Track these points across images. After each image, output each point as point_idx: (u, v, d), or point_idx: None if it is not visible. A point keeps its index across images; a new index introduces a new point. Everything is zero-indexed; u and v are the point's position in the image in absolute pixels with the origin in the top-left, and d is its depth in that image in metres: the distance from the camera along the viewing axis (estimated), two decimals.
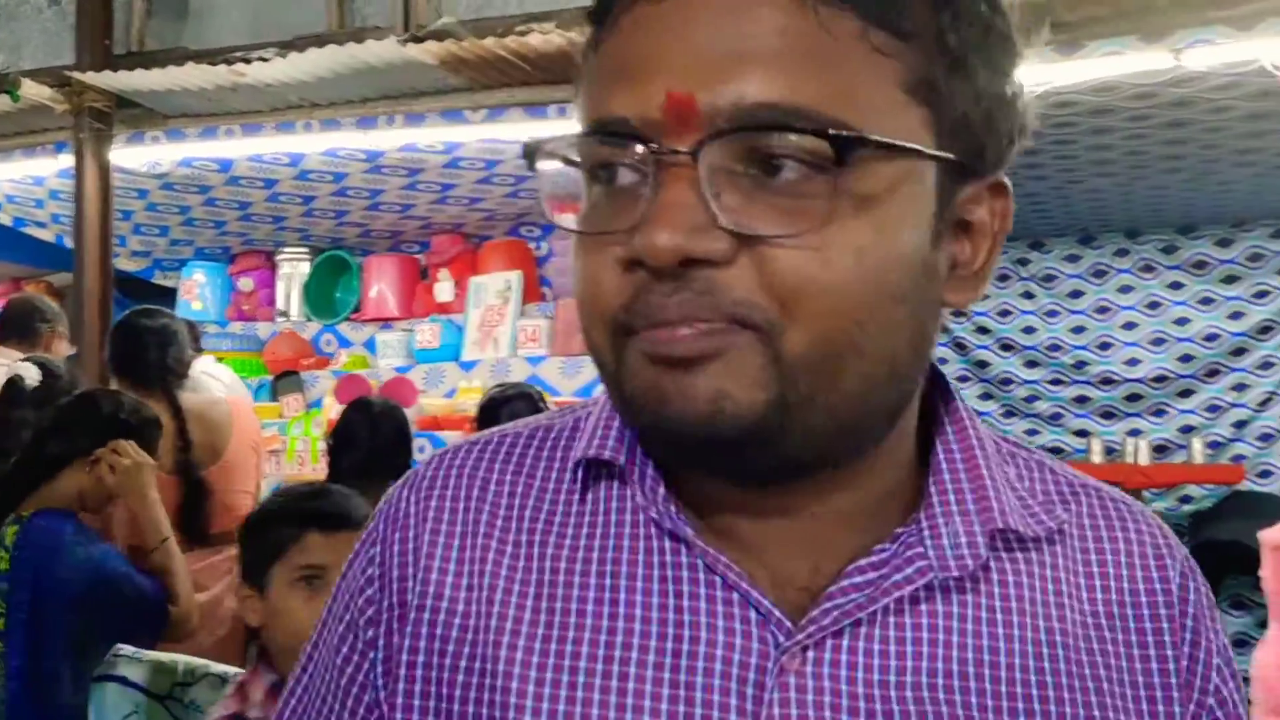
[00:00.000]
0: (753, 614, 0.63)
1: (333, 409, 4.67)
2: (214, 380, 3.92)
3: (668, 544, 0.66)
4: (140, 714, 2.02)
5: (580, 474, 0.70)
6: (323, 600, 1.26)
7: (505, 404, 3.12)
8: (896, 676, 0.63)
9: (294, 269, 5.53)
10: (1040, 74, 3.40)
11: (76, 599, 2.19)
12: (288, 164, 4.47)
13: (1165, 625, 0.69)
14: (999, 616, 0.66)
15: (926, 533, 0.65)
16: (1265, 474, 5.27)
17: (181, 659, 2.12)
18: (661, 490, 0.66)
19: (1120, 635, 0.68)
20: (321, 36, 4.08)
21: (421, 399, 4.65)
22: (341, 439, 3.12)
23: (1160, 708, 0.67)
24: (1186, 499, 5.37)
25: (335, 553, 1.60)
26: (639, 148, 0.56)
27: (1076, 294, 5.71)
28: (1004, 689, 0.64)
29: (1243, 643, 4.58)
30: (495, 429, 0.77)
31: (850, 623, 0.63)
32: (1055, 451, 5.64)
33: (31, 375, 2.70)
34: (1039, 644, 0.66)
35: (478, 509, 0.71)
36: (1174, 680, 0.67)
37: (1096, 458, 4.91)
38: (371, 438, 3.06)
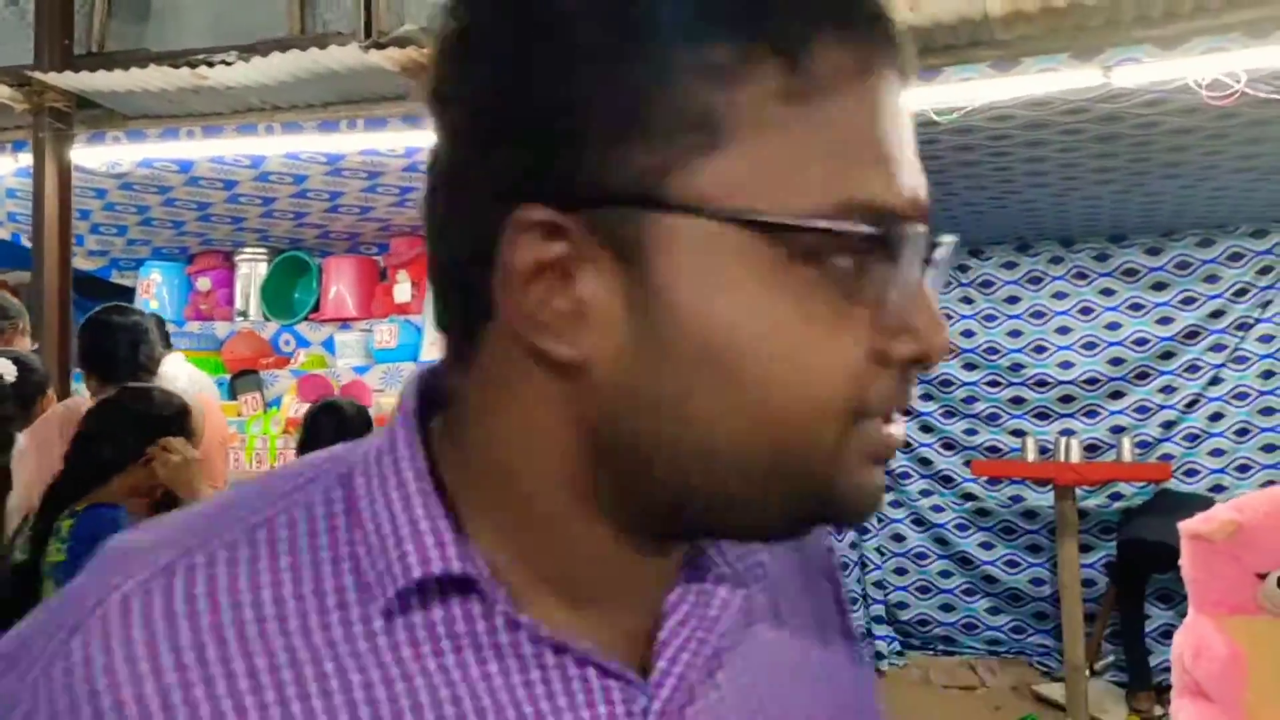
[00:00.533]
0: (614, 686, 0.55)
1: (291, 408, 4.74)
2: (175, 378, 3.97)
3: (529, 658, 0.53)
4: None
5: (402, 601, 0.52)
6: None
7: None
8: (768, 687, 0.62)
9: (252, 269, 5.58)
10: (979, 90, 3.59)
11: None
12: (248, 166, 4.53)
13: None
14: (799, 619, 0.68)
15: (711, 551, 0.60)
16: (1191, 473, 5.52)
17: None
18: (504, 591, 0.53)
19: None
20: (283, 41, 4.15)
21: (379, 399, 4.73)
22: (309, 441, 3.19)
23: None
24: (1117, 496, 5.61)
25: None
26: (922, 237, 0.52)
27: (1013, 299, 5.93)
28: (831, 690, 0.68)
29: (1168, 634, 4.81)
30: (185, 533, 0.55)
31: (703, 669, 0.58)
32: (992, 450, 5.86)
33: (8, 370, 2.75)
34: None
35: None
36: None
37: (1030, 456, 5.11)
38: (338, 441, 3.13)
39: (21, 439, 2.81)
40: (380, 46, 3.83)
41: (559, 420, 0.52)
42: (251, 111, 4.36)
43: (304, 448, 3.20)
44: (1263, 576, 2.38)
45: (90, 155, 4.41)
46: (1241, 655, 2.37)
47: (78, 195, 4.57)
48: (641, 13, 0.48)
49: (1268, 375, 5.46)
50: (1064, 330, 5.84)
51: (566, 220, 0.49)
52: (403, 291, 5.30)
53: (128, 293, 5.69)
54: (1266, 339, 5.38)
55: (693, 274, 0.48)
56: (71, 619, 0.50)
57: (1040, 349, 5.88)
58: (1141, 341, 5.67)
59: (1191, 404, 5.53)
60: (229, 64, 3.98)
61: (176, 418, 2.44)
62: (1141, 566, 5.01)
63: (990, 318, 5.97)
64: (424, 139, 4.11)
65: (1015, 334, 5.93)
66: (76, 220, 4.77)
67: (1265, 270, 5.50)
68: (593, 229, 0.49)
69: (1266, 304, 5.48)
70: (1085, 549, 5.42)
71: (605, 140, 0.48)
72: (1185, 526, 2.49)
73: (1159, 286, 5.67)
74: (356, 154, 4.33)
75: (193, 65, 4.04)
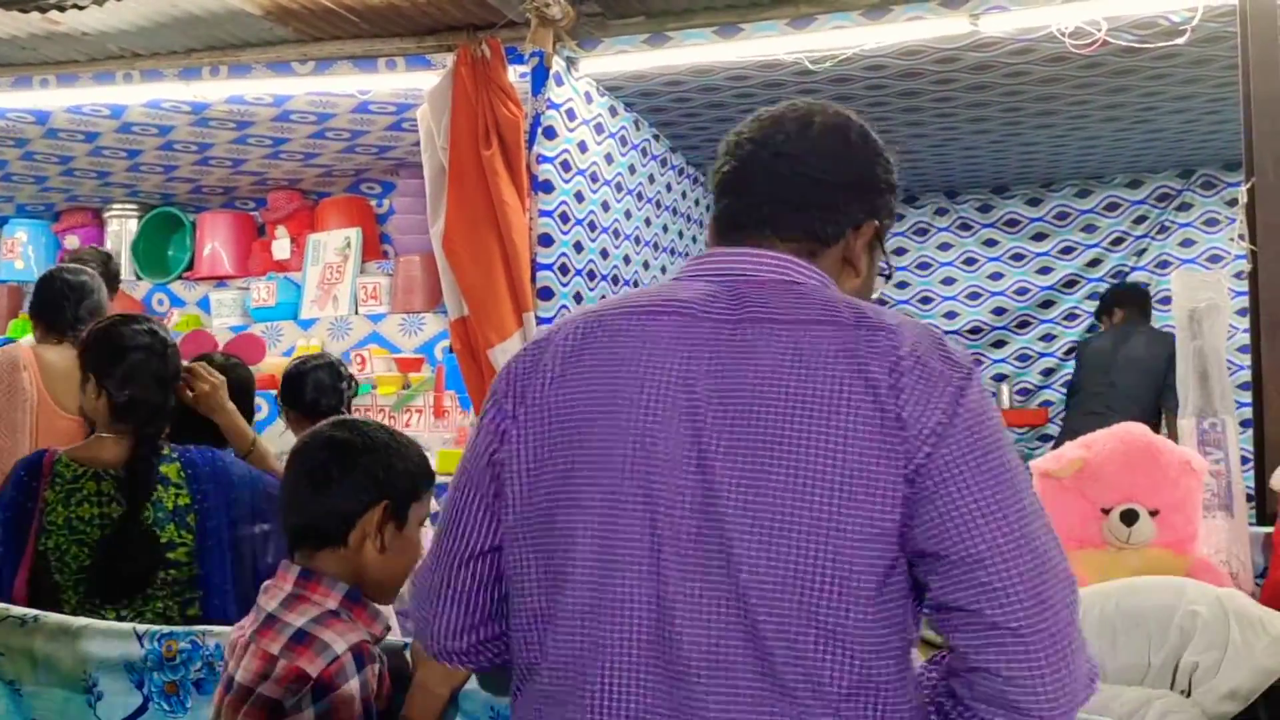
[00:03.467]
0: None
1: None
2: None
3: None
4: None
5: None
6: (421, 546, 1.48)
7: (309, 374, 3.12)
8: None
9: (122, 226, 5.38)
10: (850, 37, 3.59)
11: (255, 511, 2.29)
12: (108, 116, 4.34)
13: None
14: None
15: None
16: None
17: None
18: None
19: None
20: None
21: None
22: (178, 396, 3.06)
23: None
24: None
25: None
26: None
27: (901, 251, 6.01)
28: None
29: None
30: None
31: None
32: None
33: None
34: None
35: None
36: None
37: None
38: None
39: None
40: None
41: None
42: (109, 59, 4.18)
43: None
44: (1107, 511, 2.44)
45: None
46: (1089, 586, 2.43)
47: None
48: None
49: None
50: (949, 281, 5.94)
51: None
52: (282, 248, 5.16)
53: None
54: (1141, 287, 5.53)
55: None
56: None
57: (926, 300, 5.97)
58: (1023, 291, 5.80)
59: (1070, 351, 5.67)
60: (81, 7, 3.79)
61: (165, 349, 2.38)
62: None
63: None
64: (291, 86, 4.04)
65: (903, 285, 6.00)
66: None
67: (1140, 220, 5.65)
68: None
69: (1141, 252, 5.64)
70: None
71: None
72: (1036, 465, 2.54)
73: (1039, 237, 5.80)
74: (222, 103, 4.17)
75: (43, 9, 3.84)
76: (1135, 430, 2.52)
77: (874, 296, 1.26)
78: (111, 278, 3.62)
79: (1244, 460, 2.80)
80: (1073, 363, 5.62)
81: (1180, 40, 3.43)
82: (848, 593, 1.00)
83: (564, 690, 1.07)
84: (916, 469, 1.00)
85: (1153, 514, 2.43)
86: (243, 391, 2.96)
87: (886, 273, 1.30)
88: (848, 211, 1.17)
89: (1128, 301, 5.05)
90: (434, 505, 1.70)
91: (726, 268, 1.15)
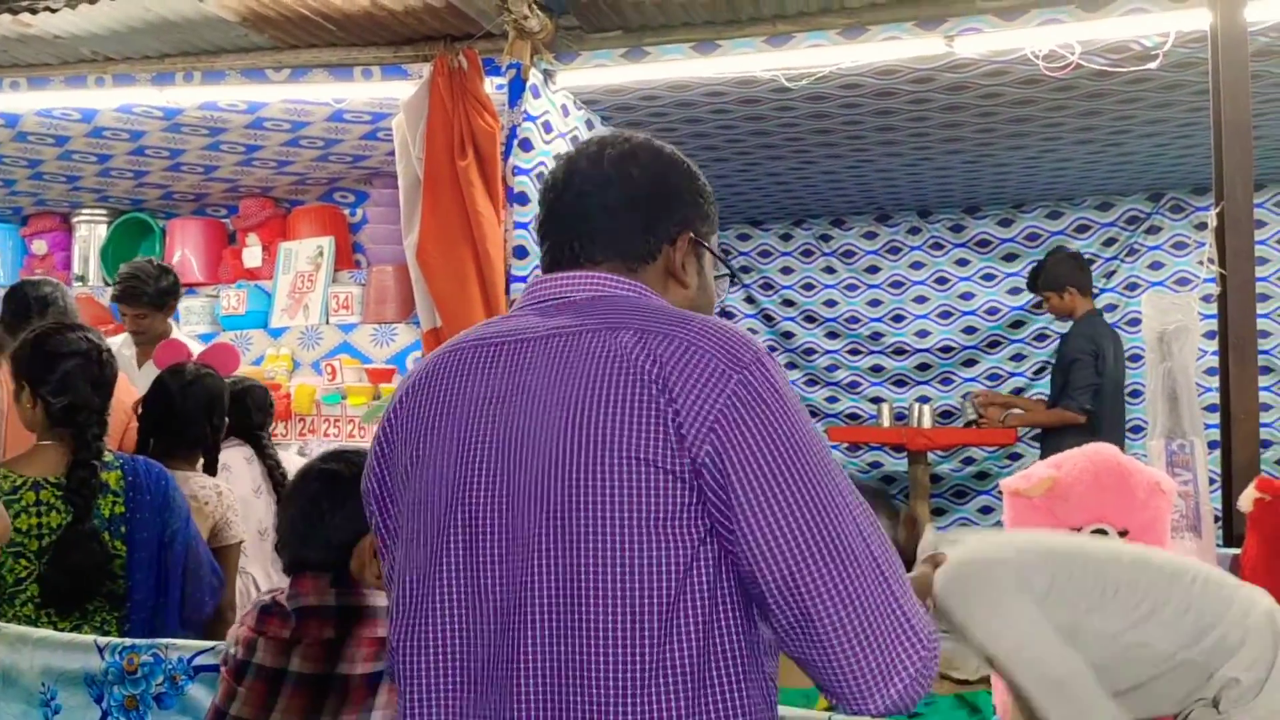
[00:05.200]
0: None
1: None
2: None
3: None
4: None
5: None
6: None
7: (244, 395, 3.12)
8: None
9: (91, 231, 5.32)
10: (827, 56, 3.60)
11: (182, 539, 2.28)
12: (79, 120, 4.29)
13: None
14: None
15: None
16: (1038, 438, 5.70)
17: None
18: None
19: None
20: None
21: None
22: (149, 406, 2.99)
23: None
24: (970, 460, 5.77)
25: None
26: None
27: (874, 269, 6.04)
28: None
29: None
30: None
31: None
32: (852, 418, 5.97)
33: None
34: None
35: None
36: None
37: (886, 422, 5.21)
38: (180, 404, 2.92)
39: None
40: None
41: None
42: (82, 63, 4.13)
43: (144, 412, 2.97)
44: (1077, 530, 2.44)
45: None
46: None
47: None
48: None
49: None
50: (921, 299, 5.97)
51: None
52: (253, 255, 5.12)
53: None
54: (1110, 308, 5.58)
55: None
56: None
57: (899, 318, 6.00)
58: (993, 310, 5.84)
59: (1039, 371, 5.72)
60: (54, 10, 3.74)
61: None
62: None
63: (851, 287, 6.07)
64: (265, 93, 4.01)
65: (875, 303, 6.04)
66: None
67: (1110, 242, 5.71)
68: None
69: (1111, 274, 5.69)
70: (938, 512, 5.57)
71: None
72: (1006, 484, 2.55)
73: (1010, 257, 5.84)
74: (195, 109, 4.14)
75: (14, 11, 3.79)
76: (1105, 450, 2.53)
77: (719, 305, 1.34)
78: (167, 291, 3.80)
79: (1211, 481, 2.83)
80: (1045, 382, 5.68)
81: (1152, 65, 3.47)
82: (633, 587, 1.01)
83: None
84: (696, 465, 1.01)
85: (1122, 534, 2.43)
86: (211, 403, 2.92)
87: (726, 275, 1.34)
88: (653, 229, 1.21)
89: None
90: None
91: (546, 293, 1.19)
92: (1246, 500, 2.56)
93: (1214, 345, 3.16)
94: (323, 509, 1.58)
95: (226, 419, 2.97)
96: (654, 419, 1.01)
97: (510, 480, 1.06)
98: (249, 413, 3.08)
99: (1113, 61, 3.53)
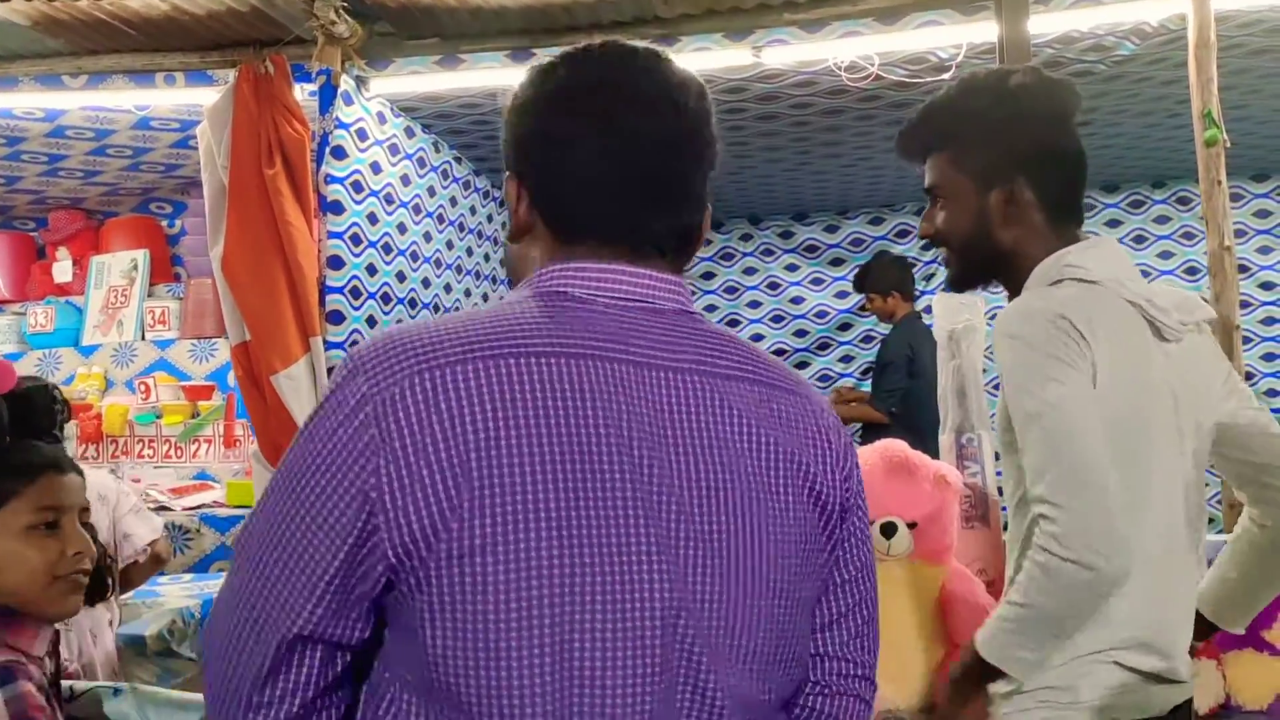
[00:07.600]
0: None
1: None
2: None
3: None
4: None
5: None
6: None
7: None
8: None
9: None
10: None
11: None
12: None
13: None
14: None
15: None
16: (862, 435, 5.89)
17: None
18: None
19: None
20: None
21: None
22: None
23: None
24: None
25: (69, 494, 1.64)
26: None
27: (709, 275, 6.15)
28: None
29: None
30: None
31: None
32: None
33: None
34: None
35: None
36: None
37: None
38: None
39: None
40: None
41: None
42: None
43: None
44: (870, 523, 2.53)
45: None
46: None
47: None
48: None
49: None
50: (754, 304, 6.11)
51: None
52: (63, 270, 4.90)
53: None
54: (928, 310, 5.79)
55: None
56: None
57: (734, 323, 6.12)
58: (822, 314, 6.01)
59: (866, 372, 5.90)
60: None
61: None
62: None
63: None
64: (63, 101, 3.84)
65: (711, 309, 6.13)
66: None
67: (928, 246, 5.92)
68: None
69: (930, 276, 5.92)
70: None
71: None
72: None
73: (837, 262, 6.02)
74: None
75: None
76: (895, 446, 2.63)
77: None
78: None
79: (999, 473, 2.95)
80: (869, 383, 5.87)
81: (947, 75, 3.62)
82: None
83: None
84: None
85: (911, 526, 2.53)
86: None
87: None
88: None
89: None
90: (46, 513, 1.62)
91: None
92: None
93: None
94: None
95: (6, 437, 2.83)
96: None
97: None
98: (35, 416, 2.91)
99: (911, 73, 3.68)
